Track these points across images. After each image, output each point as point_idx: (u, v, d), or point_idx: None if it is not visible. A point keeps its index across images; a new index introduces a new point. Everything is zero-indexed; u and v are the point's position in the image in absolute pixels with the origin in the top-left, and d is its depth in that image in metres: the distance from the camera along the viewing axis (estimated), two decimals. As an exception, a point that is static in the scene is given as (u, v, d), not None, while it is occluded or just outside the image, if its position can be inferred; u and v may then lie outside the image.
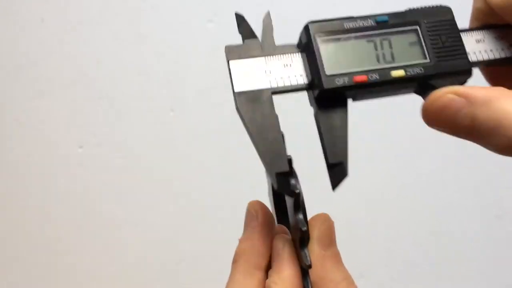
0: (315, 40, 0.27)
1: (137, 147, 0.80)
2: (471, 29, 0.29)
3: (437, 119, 0.25)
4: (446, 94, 0.24)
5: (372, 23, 0.28)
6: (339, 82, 0.26)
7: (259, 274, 0.28)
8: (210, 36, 0.80)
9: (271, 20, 0.29)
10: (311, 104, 0.28)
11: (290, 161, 0.27)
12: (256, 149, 0.26)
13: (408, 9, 0.29)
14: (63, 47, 0.81)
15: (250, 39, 0.28)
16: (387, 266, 0.80)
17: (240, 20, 0.30)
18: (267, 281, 0.27)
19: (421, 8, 0.28)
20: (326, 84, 0.26)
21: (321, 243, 0.27)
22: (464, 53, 0.28)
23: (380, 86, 0.27)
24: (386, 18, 0.28)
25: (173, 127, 0.80)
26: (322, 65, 0.26)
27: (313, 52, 0.27)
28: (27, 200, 0.81)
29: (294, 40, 0.30)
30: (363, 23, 0.28)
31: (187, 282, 0.79)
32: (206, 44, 0.80)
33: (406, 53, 0.27)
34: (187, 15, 0.80)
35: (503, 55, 0.28)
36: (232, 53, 0.27)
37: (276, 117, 0.26)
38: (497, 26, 0.29)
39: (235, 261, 0.29)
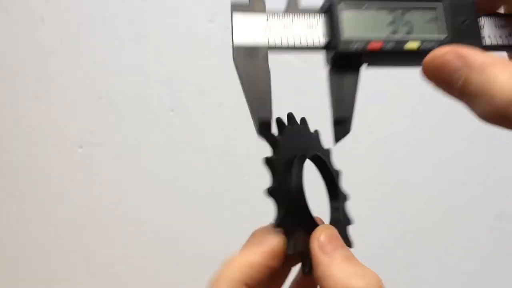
0: (337, 4, 0.28)
1: (137, 147, 0.80)
2: (493, 14, 0.30)
3: (435, 75, 0.26)
4: (446, 54, 0.25)
5: None
6: (354, 46, 0.27)
7: None
8: (210, 36, 0.80)
9: None
10: (326, 63, 0.29)
11: (281, 121, 0.29)
12: (246, 97, 0.27)
13: None
14: (63, 47, 0.81)
15: None
16: (387, 266, 0.80)
17: None
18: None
19: None
20: (341, 47, 0.27)
21: (324, 250, 0.27)
22: (479, 36, 0.28)
23: (393, 55, 0.28)
24: None
25: (173, 127, 0.80)
26: (340, 28, 0.27)
27: (334, 16, 0.28)
28: (27, 200, 0.81)
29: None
30: None
31: (187, 282, 0.79)
32: (206, 44, 0.80)
33: (423, 28, 0.28)
34: (187, 15, 0.80)
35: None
36: (237, 6, 0.28)
37: (268, 72, 0.27)
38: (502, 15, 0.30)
39: None
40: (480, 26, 0.29)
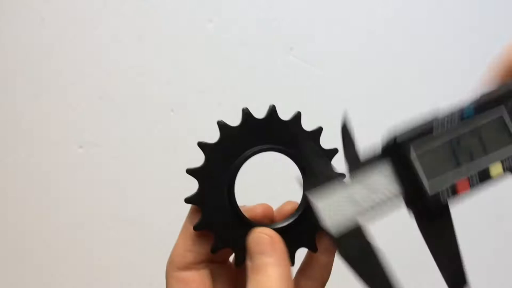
0: (409, 154, 0.25)
1: (137, 147, 0.80)
2: None
3: None
4: None
5: (459, 118, 0.25)
6: (444, 198, 0.25)
7: None
8: (210, 36, 0.80)
9: (351, 128, 0.26)
10: (412, 217, 0.26)
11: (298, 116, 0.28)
12: (364, 285, 0.25)
13: (487, 92, 0.26)
14: (63, 47, 0.81)
15: (334, 179, 0.25)
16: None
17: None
18: None
19: (500, 87, 0.26)
20: (433, 205, 0.25)
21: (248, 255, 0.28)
22: None
23: (483, 185, 0.26)
24: (471, 111, 0.26)
25: (173, 127, 0.80)
26: (423, 182, 0.24)
27: (409, 168, 0.25)
28: (27, 200, 0.81)
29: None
30: (450, 121, 0.25)
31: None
32: (206, 44, 0.80)
33: (497, 142, 0.25)
34: (187, 15, 0.80)
35: None
36: (316, 195, 0.25)
37: (374, 248, 0.25)
38: None
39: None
40: None
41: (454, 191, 0.25)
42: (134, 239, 0.81)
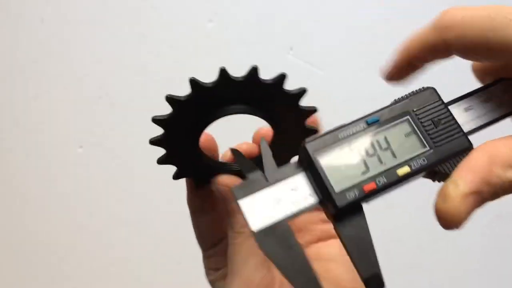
0: (315, 159, 0.26)
1: (137, 147, 0.80)
2: (457, 99, 0.29)
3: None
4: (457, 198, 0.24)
5: (364, 126, 0.27)
6: (350, 196, 0.26)
7: None
8: (210, 36, 0.80)
9: (267, 144, 0.29)
10: (329, 219, 0.28)
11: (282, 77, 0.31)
12: (291, 283, 0.26)
13: (394, 101, 0.28)
14: (63, 47, 0.81)
15: (251, 172, 0.27)
16: (387, 266, 0.80)
17: (238, 156, 0.31)
18: None
19: (406, 95, 0.28)
20: (339, 202, 0.26)
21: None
22: (459, 131, 0.27)
23: (389, 187, 0.27)
24: (376, 117, 0.28)
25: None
26: (329, 183, 0.26)
27: (317, 171, 0.26)
28: (27, 200, 0.81)
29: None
30: (355, 129, 0.27)
31: (188, 282, 0.79)
32: (206, 44, 0.80)
33: (405, 147, 0.27)
34: (187, 15, 0.81)
35: (495, 116, 0.28)
36: (239, 191, 0.27)
37: (298, 245, 0.26)
38: (482, 89, 0.29)
39: None
40: (454, 117, 0.27)
41: (361, 191, 0.26)
42: (134, 238, 0.81)
